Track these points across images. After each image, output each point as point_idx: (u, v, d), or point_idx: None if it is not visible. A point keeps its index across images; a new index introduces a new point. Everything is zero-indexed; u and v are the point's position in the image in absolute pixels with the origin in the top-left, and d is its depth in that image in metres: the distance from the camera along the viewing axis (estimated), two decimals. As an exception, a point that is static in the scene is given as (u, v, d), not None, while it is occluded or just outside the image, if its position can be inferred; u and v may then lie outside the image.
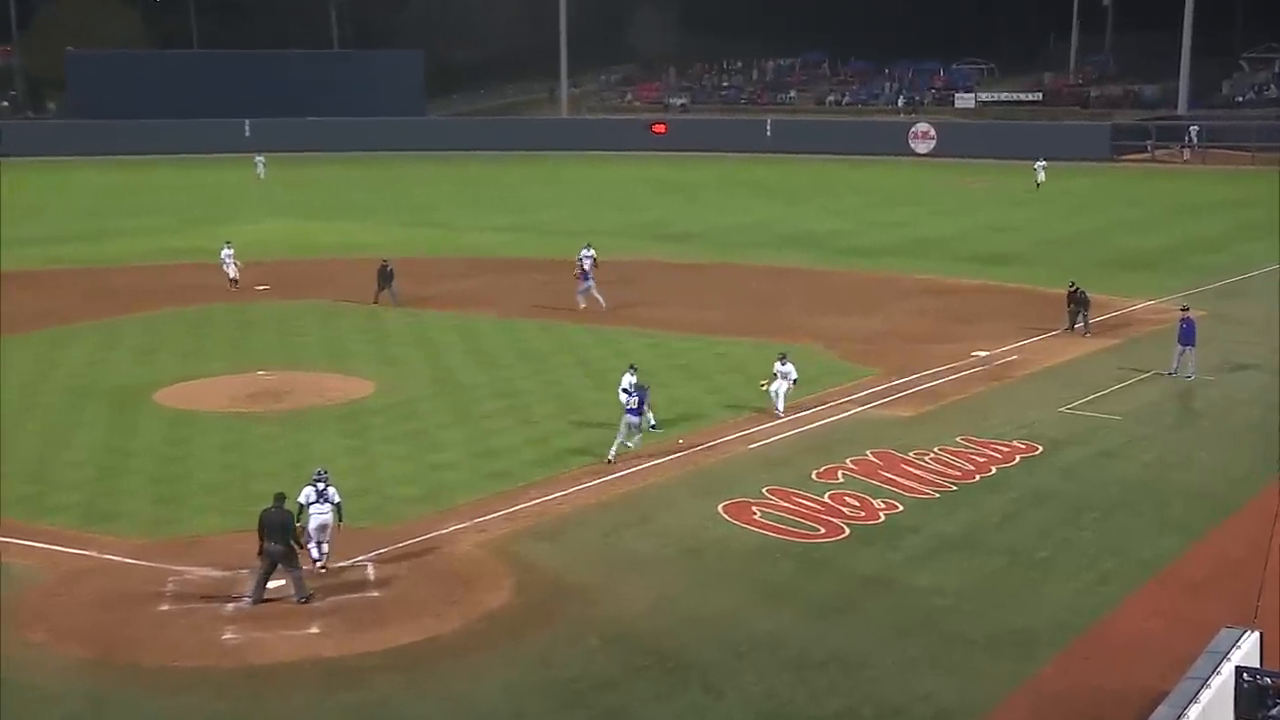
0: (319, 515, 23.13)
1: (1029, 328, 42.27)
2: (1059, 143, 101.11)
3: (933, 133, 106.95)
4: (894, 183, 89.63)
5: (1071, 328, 41.21)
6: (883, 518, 25.82)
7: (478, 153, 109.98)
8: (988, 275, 52.05)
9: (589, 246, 46.33)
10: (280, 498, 22.41)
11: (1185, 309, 37.71)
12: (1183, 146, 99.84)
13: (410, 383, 36.59)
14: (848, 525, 25.37)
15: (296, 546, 22.16)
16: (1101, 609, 21.75)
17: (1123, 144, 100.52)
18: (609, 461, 28.84)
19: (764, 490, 27.25)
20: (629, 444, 29.03)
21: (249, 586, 22.02)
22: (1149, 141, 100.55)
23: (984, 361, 38.32)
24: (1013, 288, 49.89)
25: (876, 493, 27.13)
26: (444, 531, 24.99)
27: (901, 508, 26.33)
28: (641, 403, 28.95)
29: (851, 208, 75.97)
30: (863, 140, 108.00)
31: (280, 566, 22.03)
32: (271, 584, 22.68)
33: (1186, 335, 36.18)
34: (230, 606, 21.88)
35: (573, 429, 31.92)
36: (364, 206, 78.77)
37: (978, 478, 28.23)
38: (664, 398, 32.92)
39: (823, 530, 25.14)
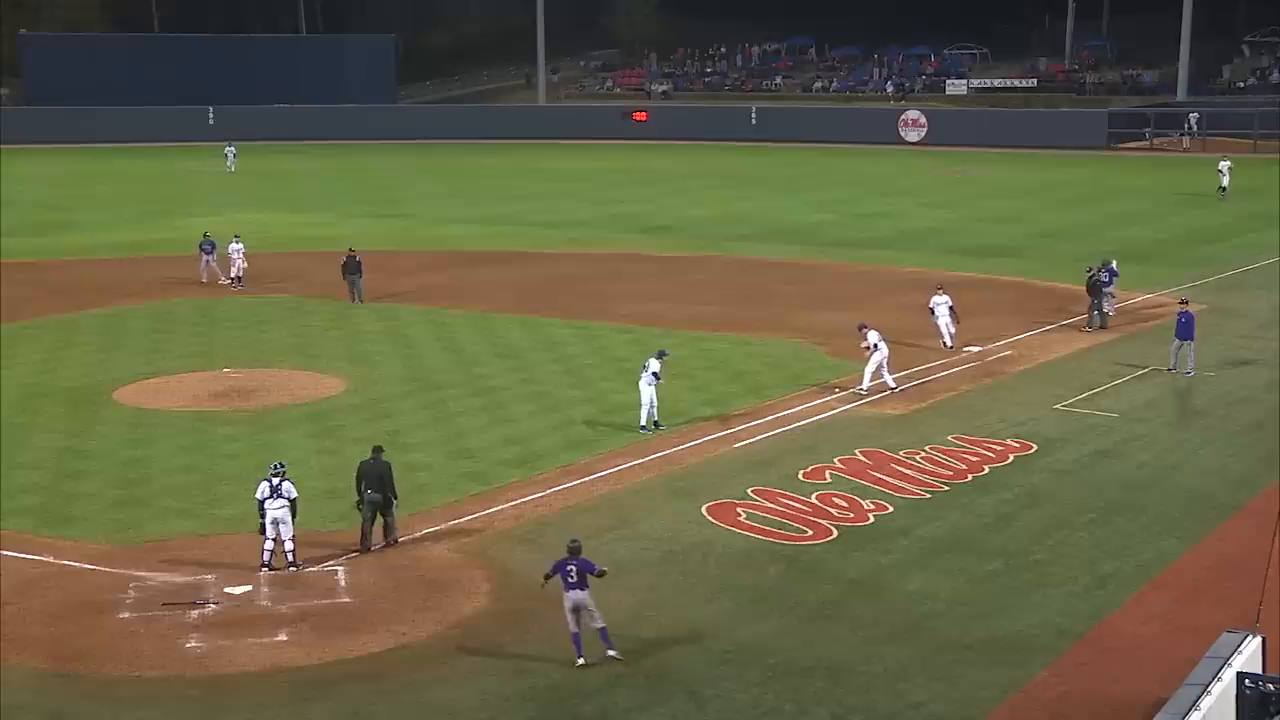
0: (273, 511, 23.25)
1: (1024, 322, 42.42)
2: (1054, 131, 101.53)
3: (923, 120, 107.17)
4: (884, 172, 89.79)
5: (1102, 321, 40.93)
6: (872, 519, 25.91)
7: (452, 141, 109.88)
8: (981, 268, 52.21)
9: (942, 291, 39.62)
10: (379, 450, 24.71)
11: (1184, 302, 37.89)
12: (1182, 134, 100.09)
13: (382, 381, 36.58)
14: (836, 527, 25.44)
15: (394, 496, 24.40)
16: (1099, 613, 21.86)
17: (1120, 132, 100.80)
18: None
19: (749, 491, 27.31)
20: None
21: (359, 538, 24.21)
22: (1147, 129, 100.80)
23: (977, 357, 38.47)
24: (1007, 280, 50.06)
25: (865, 493, 27.22)
26: (418, 535, 25.00)
27: (891, 509, 26.42)
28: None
29: (840, 198, 76.09)
30: (851, 128, 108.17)
31: (379, 513, 24.21)
32: (237, 589, 22.70)
33: (1185, 329, 36.34)
34: (194, 613, 21.86)
35: (551, 429, 31.96)
36: (333, 197, 78.69)
37: (970, 478, 28.35)
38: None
39: (810, 532, 25.21)
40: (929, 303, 39.22)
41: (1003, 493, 27.47)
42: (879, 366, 34.37)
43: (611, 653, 20.05)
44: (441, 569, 23.67)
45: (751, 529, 25.45)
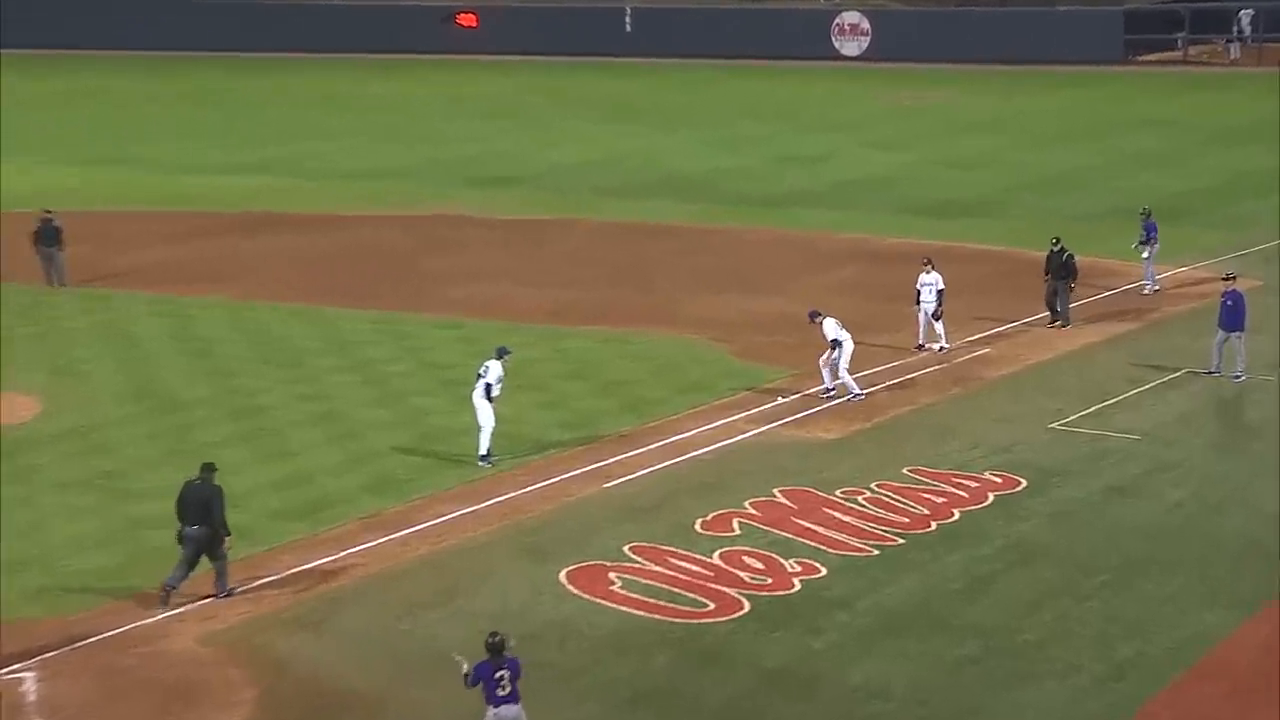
0: None
1: (1005, 307, 42.90)
2: (1047, 38, 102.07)
3: (865, 26, 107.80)
4: (811, 99, 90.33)
5: (1053, 317, 41.56)
6: (798, 586, 26.03)
7: (199, 54, 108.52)
8: (945, 232, 52.62)
9: (930, 267, 40.06)
10: (208, 468, 25.81)
11: (1230, 277, 38.45)
12: (1229, 40, 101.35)
13: (95, 401, 36.22)
14: (747, 598, 25.53)
15: (225, 532, 25.43)
16: (1116, 715, 22.15)
17: (1141, 39, 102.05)
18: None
19: (625, 549, 27.36)
20: None
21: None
22: (1179, 35, 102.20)
23: (941, 358, 38.88)
24: (980, 250, 50.64)
25: (789, 550, 27.34)
26: (151, 620, 24.78)
27: (825, 571, 26.56)
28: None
29: (751, 136, 76.35)
30: (766, 38, 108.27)
31: (204, 555, 25.18)
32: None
33: (1232, 316, 36.96)
34: None
35: (346, 465, 31.88)
36: (20, 135, 77.01)
37: (934, 526, 28.60)
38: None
39: (712, 606, 25.28)
40: (916, 283, 39.74)
41: (979, 546, 27.74)
42: (841, 366, 35.40)
43: None
44: (185, 668, 23.40)
45: (630, 602, 25.46)
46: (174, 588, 25.28)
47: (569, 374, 37.83)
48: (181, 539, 25.30)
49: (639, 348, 40.09)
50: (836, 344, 35.35)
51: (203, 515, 25.22)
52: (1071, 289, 41.84)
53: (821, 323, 35.68)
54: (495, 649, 19.90)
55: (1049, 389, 36.65)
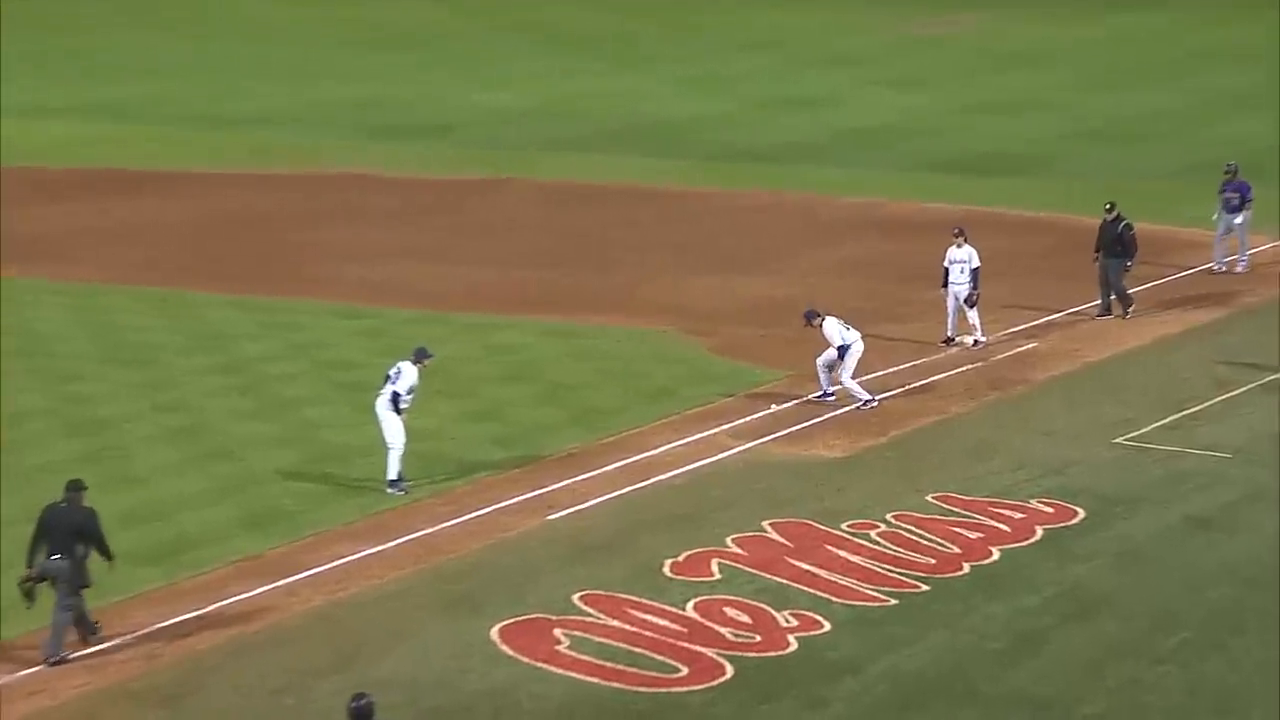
0: None
1: (1056, 291, 43.03)
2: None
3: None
4: (810, 27, 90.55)
5: (1104, 307, 41.45)
6: (794, 645, 25.92)
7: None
8: (976, 194, 52.73)
9: (962, 240, 40.30)
10: (75, 486, 25.81)
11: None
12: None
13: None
14: (731, 660, 25.38)
15: (105, 559, 25.69)
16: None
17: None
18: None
19: (575, 599, 27.22)
20: None
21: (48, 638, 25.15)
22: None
23: (975, 354, 38.96)
24: (1025, 218, 50.91)
25: (782, 599, 27.25)
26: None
27: (828, 626, 26.46)
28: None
29: (735, 74, 76.54)
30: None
31: (57, 593, 25.07)
32: None
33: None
34: None
35: (216, 495, 31.77)
36: None
37: (967, 568, 28.53)
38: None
39: (685, 670, 25.14)
40: (943, 260, 39.93)
41: (1025, 595, 27.66)
42: (845, 375, 35.49)
43: None
44: (10, 755, 23.26)
45: (580, 666, 25.28)
46: (93, 623, 25.56)
47: (503, 376, 37.85)
48: (33, 583, 25.21)
49: (592, 343, 40.13)
50: (844, 349, 35.24)
51: (70, 544, 25.12)
52: (1127, 268, 41.69)
53: (822, 325, 35.49)
54: (361, 714, 19.80)
55: (1113, 394, 36.72)
